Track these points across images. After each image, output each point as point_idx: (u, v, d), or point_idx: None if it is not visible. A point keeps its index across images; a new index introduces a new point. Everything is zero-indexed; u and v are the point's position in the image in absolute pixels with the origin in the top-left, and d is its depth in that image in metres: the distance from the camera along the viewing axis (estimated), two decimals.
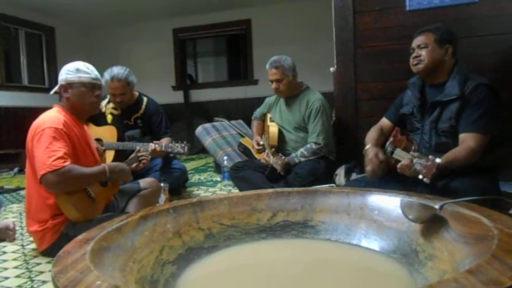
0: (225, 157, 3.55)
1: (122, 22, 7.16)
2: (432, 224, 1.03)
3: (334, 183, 2.66)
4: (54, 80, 6.98)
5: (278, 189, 1.41)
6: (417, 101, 2.00)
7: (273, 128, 2.94)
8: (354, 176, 2.61)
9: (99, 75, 2.00)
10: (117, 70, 2.80)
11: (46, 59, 6.99)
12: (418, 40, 1.95)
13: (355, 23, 2.91)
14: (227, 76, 7.31)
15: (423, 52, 1.90)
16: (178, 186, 3.11)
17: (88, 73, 1.92)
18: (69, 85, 1.89)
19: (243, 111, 6.11)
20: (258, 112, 3.23)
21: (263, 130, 3.18)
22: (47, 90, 6.84)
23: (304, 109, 2.82)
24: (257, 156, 3.29)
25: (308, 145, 2.75)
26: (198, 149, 5.80)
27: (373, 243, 1.14)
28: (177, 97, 6.88)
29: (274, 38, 6.40)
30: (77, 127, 1.94)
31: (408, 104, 2.07)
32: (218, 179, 3.74)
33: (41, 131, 1.74)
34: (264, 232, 1.25)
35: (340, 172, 2.67)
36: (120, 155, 2.76)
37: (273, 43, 6.32)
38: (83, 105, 1.91)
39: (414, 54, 1.95)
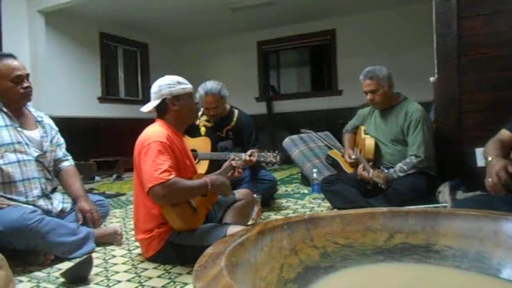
0: (315, 170, 3.49)
1: (208, 36, 7.50)
2: None
3: (437, 201, 2.46)
4: (147, 93, 7.47)
5: (394, 209, 1.32)
6: None
7: (369, 141, 2.82)
8: (460, 194, 2.40)
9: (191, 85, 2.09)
10: (211, 85, 2.90)
11: (140, 73, 7.53)
12: None
13: (460, 28, 2.71)
14: (310, 87, 7.26)
15: None
16: (268, 198, 3.11)
17: (186, 84, 2.01)
18: (175, 98, 1.97)
19: (326, 122, 6.03)
20: (350, 124, 3.14)
21: (354, 143, 3.07)
22: (141, 102, 7.37)
23: (402, 120, 2.67)
24: (347, 169, 3.18)
25: (408, 159, 2.59)
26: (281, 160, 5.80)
27: None
28: (260, 108, 6.98)
29: (359, 48, 6.25)
30: (178, 139, 2.02)
31: None
32: (306, 191, 3.68)
33: (148, 145, 1.83)
34: (381, 254, 1.18)
35: (444, 190, 2.48)
36: (214, 165, 2.84)
37: (359, 53, 6.17)
38: (191, 114, 2.02)
39: None
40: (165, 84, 1.98)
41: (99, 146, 6.25)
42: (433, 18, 2.81)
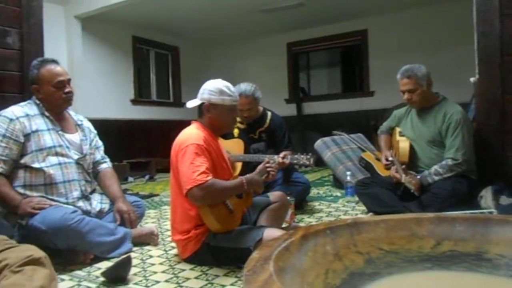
0: (348, 172, 3.43)
1: (238, 38, 7.54)
2: None
3: (479, 206, 2.37)
4: (178, 95, 7.60)
5: (440, 214, 1.28)
6: None
7: (403, 143, 2.75)
8: (504, 199, 2.30)
9: (237, 94, 2.07)
10: (245, 87, 2.90)
11: (171, 76, 7.65)
12: None
13: (503, 27, 2.60)
14: (341, 88, 7.16)
15: None
16: (301, 200, 3.08)
17: (230, 95, 1.98)
18: (212, 106, 1.98)
19: (357, 124, 5.93)
20: (385, 125, 3.07)
21: (390, 145, 3.00)
22: (172, 104, 7.50)
23: (440, 122, 2.59)
24: (381, 172, 3.12)
25: (444, 162, 2.51)
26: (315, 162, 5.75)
27: None
28: (290, 110, 6.95)
29: (392, 48, 6.12)
30: (213, 142, 2.03)
31: None
32: (339, 194, 3.63)
33: (185, 148, 1.84)
34: (428, 262, 1.14)
35: (486, 194, 2.38)
36: (247, 167, 2.84)
37: (392, 53, 6.04)
38: (223, 124, 2.02)
39: None
40: (208, 89, 1.98)
41: (132, 147, 6.38)
42: (473, 16, 2.71)
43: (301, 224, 2.56)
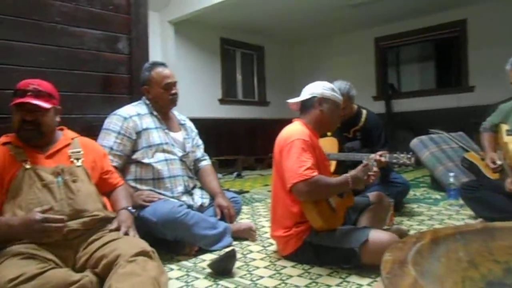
0: (451, 174, 3.19)
1: (323, 36, 7.43)
2: None
3: None
4: (262, 94, 7.72)
5: None
6: None
7: None
8: None
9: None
10: (339, 85, 2.80)
11: (256, 75, 7.79)
12: None
13: None
14: (434, 84, 6.70)
15: None
16: (398, 202, 2.93)
17: (339, 95, 2.03)
18: (325, 99, 1.99)
19: (454, 122, 5.49)
20: (488, 121, 2.70)
21: (495, 145, 2.68)
22: (257, 104, 7.64)
23: None
24: (488, 174, 2.84)
25: None
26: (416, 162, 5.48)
27: None
28: (378, 108, 6.67)
29: (495, 38, 5.58)
30: (315, 140, 2.01)
31: None
32: (438, 196, 3.40)
33: (291, 143, 1.84)
34: None
35: None
36: (341, 166, 2.78)
37: (494, 44, 5.52)
38: (331, 120, 2.00)
39: None
40: (321, 85, 2.02)
41: (219, 145, 6.60)
42: None
43: (403, 227, 2.43)
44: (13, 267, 1.36)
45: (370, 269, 1.73)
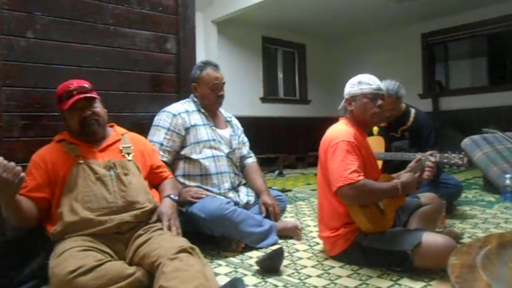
0: (508, 175, 3.03)
1: (366, 33, 7.28)
2: None
3: None
4: (304, 92, 7.67)
5: None
6: None
7: None
8: None
9: (381, 85, 1.97)
10: (387, 85, 2.72)
11: (297, 73, 7.75)
12: None
13: None
14: (487, 81, 6.36)
15: None
16: (450, 204, 2.82)
17: (370, 84, 1.91)
18: (352, 98, 1.94)
19: (509, 120, 5.21)
20: None
21: None
22: (298, 102, 7.60)
23: None
24: None
25: None
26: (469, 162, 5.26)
27: None
28: (425, 106, 6.43)
29: None
30: (362, 138, 1.96)
31: None
32: (492, 199, 3.24)
33: (335, 145, 1.81)
34: None
35: None
36: (388, 166, 2.70)
37: None
38: (365, 116, 1.92)
39: None
40: (349, 84, 1.97)
41: (260, 143, 6.61)
42: None
43: (456, 230, 2.33)
44: (73, 259, 1.42)
45: (422, 272, 1.68)
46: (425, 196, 2.15)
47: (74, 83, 1.76)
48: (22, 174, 1.46)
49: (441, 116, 6.35)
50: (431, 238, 1.67)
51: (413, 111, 2.93)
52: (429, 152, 2.34)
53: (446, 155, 2.40)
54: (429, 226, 2.05)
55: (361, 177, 1.72)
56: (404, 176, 1.89)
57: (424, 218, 2.05)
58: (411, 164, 2.04)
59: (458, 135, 5.24)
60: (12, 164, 1.43)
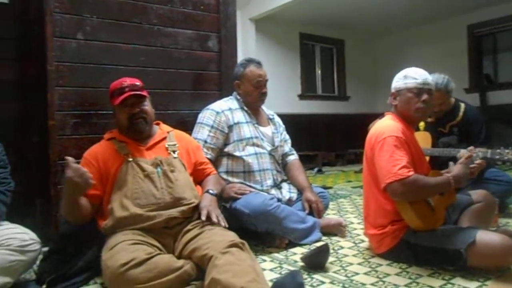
0: None
1: (406, 26, 7.06)
2: None
3: None
4: (342, 88, 7.54)
5: None
6: None
7: None
8: None
9: (428, 79, 1.89)
10: (435, 79, 2.61)
11: (336, 69, 7.63)
12: None
13: None
14: None
15: None
16: (503, 202, 2.68)
17: (415, 78, 1.85)
18: (397, 92, 1.89)
19: None
20: None
21: None
22: (337, 98, 7.49)
23: None
24: None
25: None
26: None
27: None
28: (472, 100, 6.13)
29: None
30: (410, 134, 1.91)
31: None
32: None
33: (382, 140, 1.76)
34: None
35: None
36: (435, 162, 2.60)
37: None
38: (409, 111, 1.86)
39: None
40: (395, 78, 1.93)
41: (298, 140, 6.53)
42: None
43: (511, 229, 2.22)
44: (124, 252, 1.47)
45: (476, 272, 1.61)
46: (477, 193, 2.05)
47: (127, 81, 1.82)
48: (91, 180, 1.57)
49: (489, 110, 6.06)
50: (486, 237, 1.60)
51: (462, 105, 2.82)
52: (478, 149, 2.25)
53: (498, 151, 2.29)
54: (481, 224, 1.96)
55: (411, 173, 1.67)
56: (455, 169, 1.81)
57: (476, 216, 1.96)
58: (461, 161, 1.96)
59: (508, 130, 4.99)
60: (84, 170, 1.55)
